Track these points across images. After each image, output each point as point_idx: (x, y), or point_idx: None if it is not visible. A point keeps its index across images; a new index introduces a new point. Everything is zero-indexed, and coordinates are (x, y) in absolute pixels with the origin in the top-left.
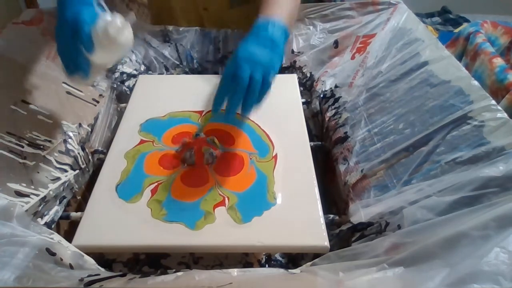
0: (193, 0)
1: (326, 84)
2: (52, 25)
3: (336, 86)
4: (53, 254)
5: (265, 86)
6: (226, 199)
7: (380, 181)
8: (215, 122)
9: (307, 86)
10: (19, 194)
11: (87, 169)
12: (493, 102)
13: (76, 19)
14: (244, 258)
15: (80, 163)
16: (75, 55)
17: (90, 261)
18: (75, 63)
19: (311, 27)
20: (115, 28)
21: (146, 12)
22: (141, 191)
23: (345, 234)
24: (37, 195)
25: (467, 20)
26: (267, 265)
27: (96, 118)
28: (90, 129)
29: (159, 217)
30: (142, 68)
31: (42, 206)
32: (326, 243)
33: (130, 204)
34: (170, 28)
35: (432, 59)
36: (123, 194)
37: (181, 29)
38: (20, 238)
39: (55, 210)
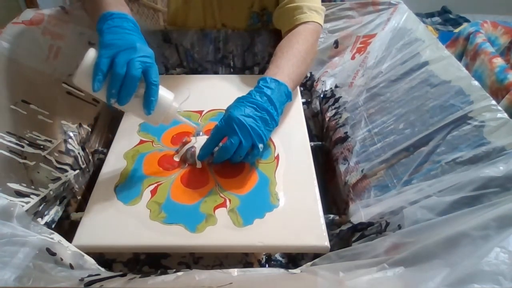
0: (213, 17)
1: (326, 84)
2: (52, 25)
3: (336, 86)
4: (53, 254)
5: (254, 151)
6: (228, 201)
7: (380, 181)
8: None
9: (307, 86)
10: (19, 194)
11: (87, 169)
12: (493, 102)
13: (141, 70)
14: (244, 258)
15: (80, 163)
16: (113, 88)
17: (90, 261)
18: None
19: None
20: (172, 111)
21: (146, 12)
22: (139, 193)
23: (345, 234)
24: (37, 195)
25: (467, 20)
26: (267, 265)
27: (96, 118)
28: (90, 129)
29: (158, 219)
30: None
31: (42, 206)
32: (326, 243)
33: (129, 206)
34: (170, 28)
35: (432, 59)
36: (122, 196)
37: (181, 29)
38: (21, 238)
39: (55, 210)
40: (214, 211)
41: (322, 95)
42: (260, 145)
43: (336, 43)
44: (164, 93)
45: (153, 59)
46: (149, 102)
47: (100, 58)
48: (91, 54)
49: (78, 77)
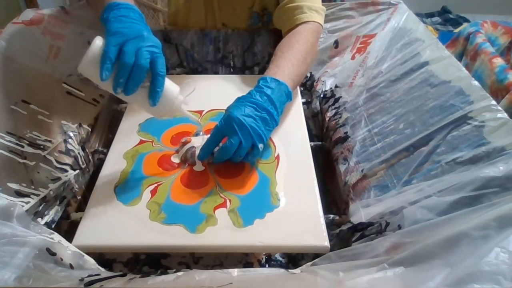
0: (214, 17)
1: (326, 84)
2: (52, 25)
3: (336, 86)
4: (53, 254)
5: (254, 151)
6: (228, 201)
7: (380, 181)
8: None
9: (307, 86)
10: (19, 194)
11: (87, 169)
12: (493, 102)
13: (147, 62)
14: (244, 258)
15: (80, 163)
16: (121, 77)
17: (90, 261)
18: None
19: None
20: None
21: (145, 12)
22: (139, 194)
23: (345, 234)
24: (37, 195)
25: (467, 20)
26: (267, 265)
27: (96, 118)
28: (90, 129)
29: (158, 220)
30: None
31: (42, 206)
32: (326, 243)
33: (129, 206)
34: (170, 28)
35: (432, 59)
36: (122, 197)
37: (181, 29)
38: (20, 238)
39: (55, 210)
40: (214, 212)
41: (322, 95)
42: (260, 145)
43: (336, 43)
44: (169, 85)
45: (160, 49)
46: (154, 93)
47: (108, 46)
48: (98, 42)
49: (84, 65)
